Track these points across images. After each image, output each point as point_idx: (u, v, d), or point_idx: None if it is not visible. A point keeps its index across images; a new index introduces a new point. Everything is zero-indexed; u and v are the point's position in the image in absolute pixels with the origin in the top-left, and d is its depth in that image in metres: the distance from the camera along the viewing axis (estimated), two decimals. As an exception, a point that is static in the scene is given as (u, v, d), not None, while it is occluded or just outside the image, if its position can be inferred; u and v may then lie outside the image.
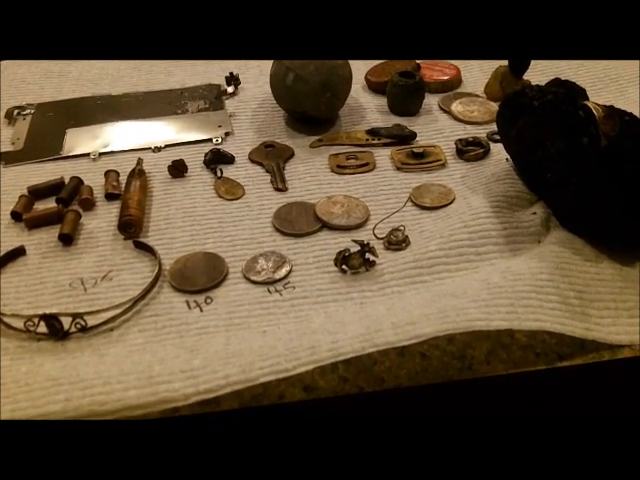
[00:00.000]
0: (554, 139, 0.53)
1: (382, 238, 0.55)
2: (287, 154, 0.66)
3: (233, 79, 0.76)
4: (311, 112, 0.68)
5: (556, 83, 0.58)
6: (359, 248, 0.52)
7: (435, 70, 0.77)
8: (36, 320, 0.48)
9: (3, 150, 0.68)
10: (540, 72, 0.77)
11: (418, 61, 0.77)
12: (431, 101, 0.73)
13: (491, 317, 0.44)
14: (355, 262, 0.52)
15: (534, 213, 0.55)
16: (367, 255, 0.52)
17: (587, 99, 0.56)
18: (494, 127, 0.68)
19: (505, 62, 0.72)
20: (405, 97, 0.71)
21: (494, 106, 0.71)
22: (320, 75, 0.66)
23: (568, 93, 0.55)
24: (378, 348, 0.42)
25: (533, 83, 0.70)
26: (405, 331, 0.43)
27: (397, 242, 0.54)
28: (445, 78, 0.76)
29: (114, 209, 0.60)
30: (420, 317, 0.44)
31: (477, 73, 0.78)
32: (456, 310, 0.44)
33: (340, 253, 0.52)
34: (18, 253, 0.55)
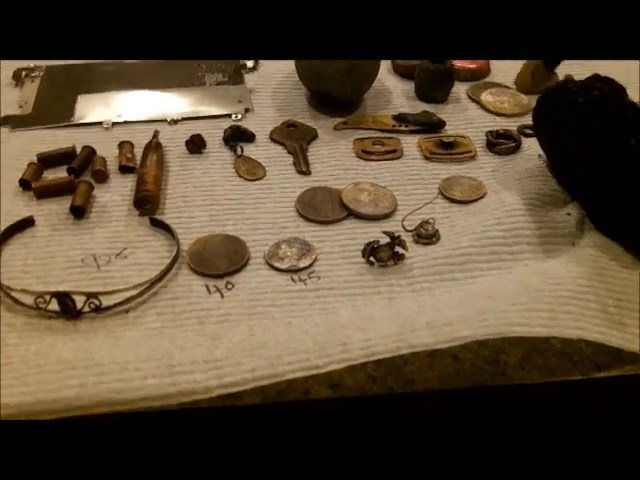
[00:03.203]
0: (597, 138, 0.51)
1: (411, 230, 0.52)
2: (310, 135, 0.63)
3: (254, 53, 0.73)
4: (336, 94, 0.65)
5: (597, 79, 0.56)
6: (389, 240, 0.49)
7: (463, 57, 0.74)
8: (47, 297, 0.45)
9: (10, 113, 0.65)
10: (569, 66, 0.75)
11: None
12: (459, 89, 0.70)
13: (532, 322, 0.42)
14: (384, 255, 0.49)
15: (568, 214, 0.53)
16: (396, 248, 0.49)
17: (627, 97, 0.54)
18: (524, 120, 0.66)
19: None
20: (434, 83, 0.68)
21: (524, 98, 0.69)
22: (349, 55, 0.63)
23: (613, 91, 0.53)
24: (414, 349, 0.40)
25: (562, 77, 0.69)
26: (442, 332, 0.41)
27: (427, 236, 0.51)
28: (474, 66, 0.73)
29: (128, 183, 0.57)
30: (456, 318, 0.42)
31: (506, 63, 0.75)
32: (494, 313, 0.42)
33: (369, 244, 0.49)
34: (27, 224, 0.53)
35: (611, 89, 0.53)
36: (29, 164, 0.57)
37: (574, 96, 0.53)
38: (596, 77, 0.56)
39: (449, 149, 0.61)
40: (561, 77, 0.69)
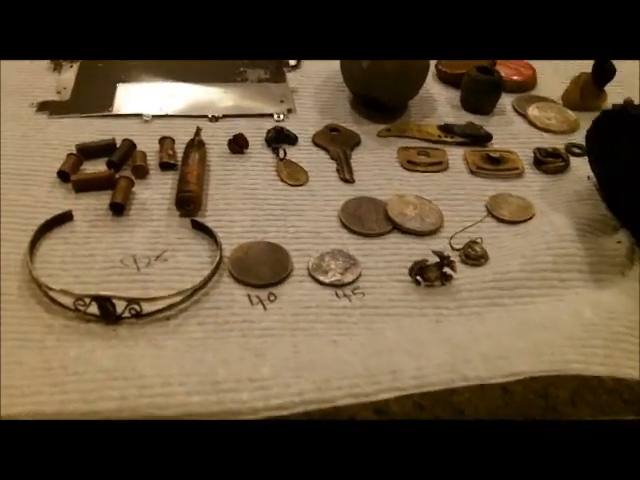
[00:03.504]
0: (659, 166, 0.49)
1: (458, 250, 0.51)
2: (353, 141, 0.62)
3: (297, 50, 0.71)
4: (383, 99, 0.63)
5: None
6: (437, 260, 0.48)
7: (510, 68, 0.72)
8: (87, 300, 0.44)
9: (49, 99, 0.64)
10: (618, 84, 0.72)
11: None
12: (504, 101, 0.68)
13: (589, 360, 0.40)
14: (432, 275, 0.48)
15: (619, 242, 0.52)
16: (445, 269, 0.48)
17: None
18: (572, 138, 0.64)
19: (587, 69, 0.68)
20: (481, 94, 0.66)
21: (572, 115, 0.67)
22: (398, 60, 0.61)
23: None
24: (469, 383, 0.39)
25: (611, 96, 0.67)
26: (498, 367, 0.39)
27: (476, 257, 0.50)
28: (520, 78, 0.71)
29: (169, 180, 0.56)
30: (512, 351, 0.41)
31: (551, 76, 0.74)
32: (551, 347, 0.41)
33: (417, 263, 0.48)
34: (65, 218, 0.51)
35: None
36: (68, 155, 0.56)
37: (635, 120, 0.52)
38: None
39: (496, 165, 0.60)
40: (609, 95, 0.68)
